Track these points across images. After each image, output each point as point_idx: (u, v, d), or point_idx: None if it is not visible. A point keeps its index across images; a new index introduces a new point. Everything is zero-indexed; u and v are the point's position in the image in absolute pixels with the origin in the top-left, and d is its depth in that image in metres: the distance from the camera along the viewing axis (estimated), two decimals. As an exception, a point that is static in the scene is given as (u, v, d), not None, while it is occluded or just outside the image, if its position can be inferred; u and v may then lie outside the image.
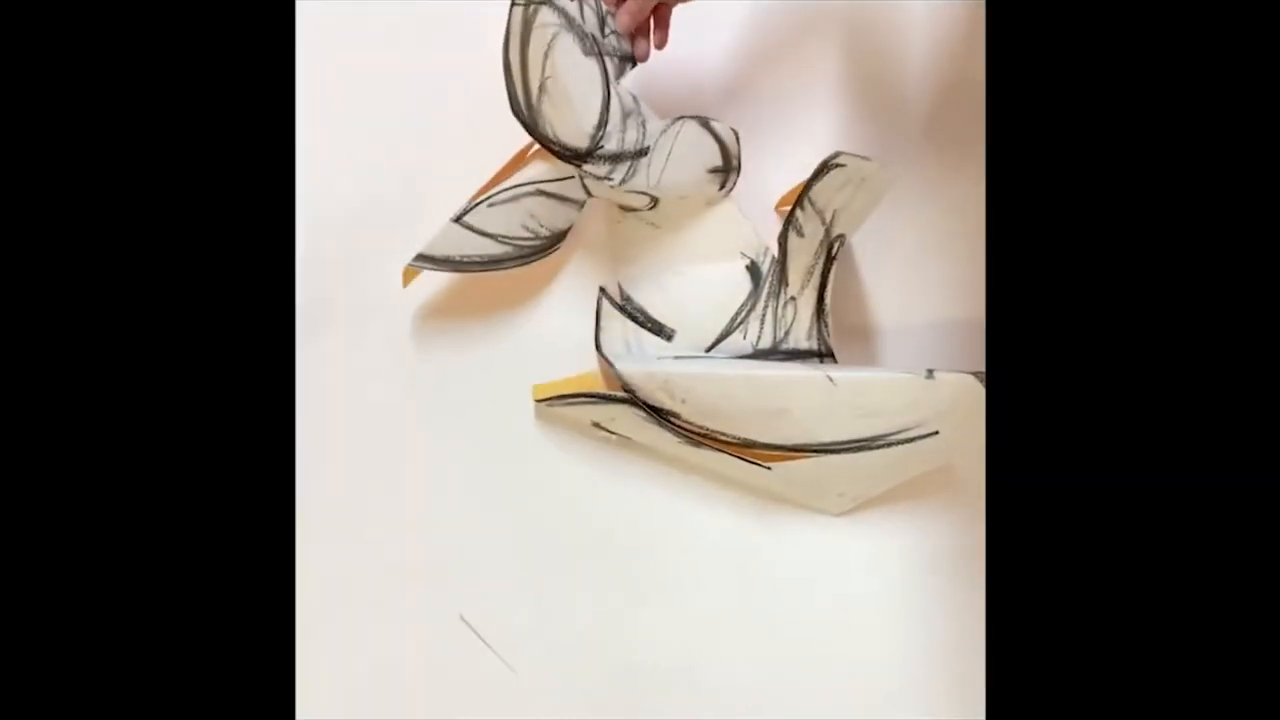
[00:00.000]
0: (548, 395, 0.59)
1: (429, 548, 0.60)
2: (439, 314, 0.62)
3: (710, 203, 0.57)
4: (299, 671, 0.52)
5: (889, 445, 0.54)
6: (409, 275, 0.59)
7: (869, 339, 0.60)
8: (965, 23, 0.62)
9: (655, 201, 0.57)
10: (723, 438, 0.55)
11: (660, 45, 0.59)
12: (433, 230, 0.57)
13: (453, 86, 0.64)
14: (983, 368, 0.56)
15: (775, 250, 0.55)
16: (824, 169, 0.51)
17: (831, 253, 0.54)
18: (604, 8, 0.55)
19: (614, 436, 0.59)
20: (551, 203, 0.57)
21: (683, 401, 0.55)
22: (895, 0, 0.63)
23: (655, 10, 0.58)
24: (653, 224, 0.58)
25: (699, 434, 0.56)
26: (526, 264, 0.58)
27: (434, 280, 0.62)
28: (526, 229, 0.56)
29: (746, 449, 0.55)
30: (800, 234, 0.52)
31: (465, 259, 0.57)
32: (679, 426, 0.56)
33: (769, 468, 0.56)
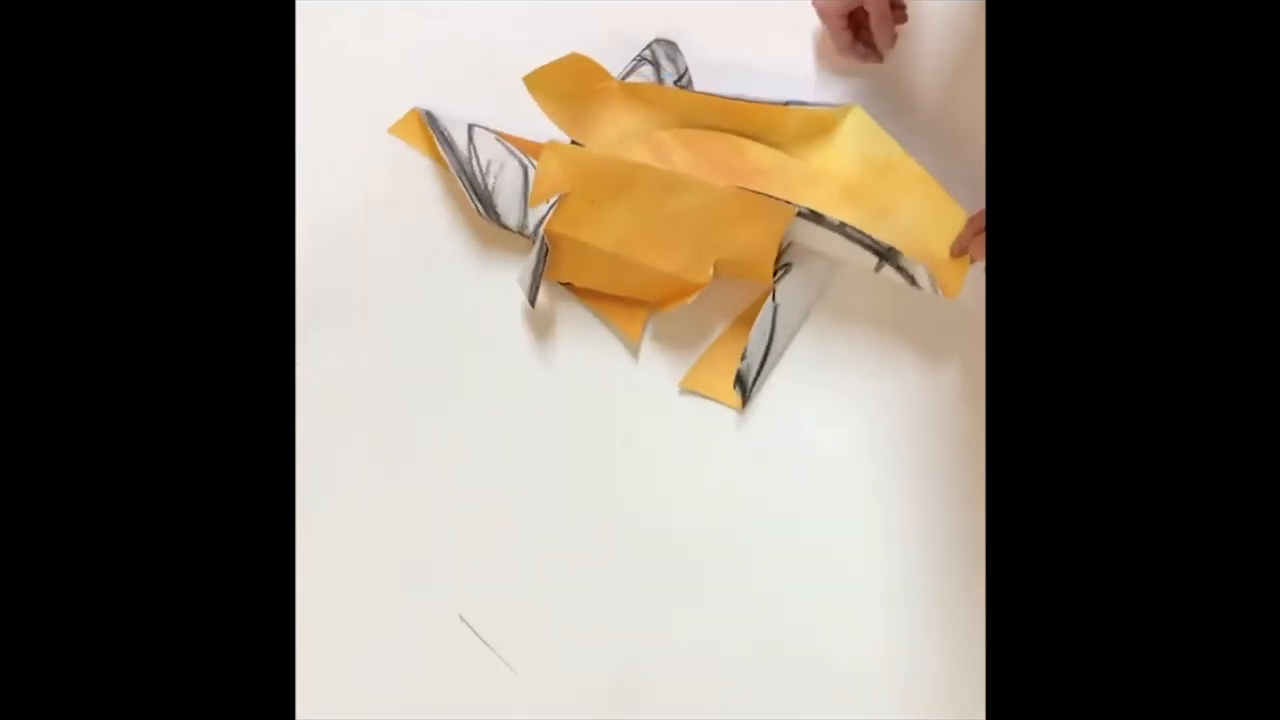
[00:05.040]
0: None
1: (429, 547, 0.60)
2: (439, 311, 0.62)
3: None
4: (299, 671, 0.52)
5: None
6: (406, 123, 0.63)
7: (870, 335, 0.60)
8: (966, 23, 0.63)
9: None
10: None
11: (900, 22, 0.61)
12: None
13: (452, 86, 0.64)
14: (982, 364, 0.56)
15: None
16: None
17: None
18: None
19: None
20: (514, 172, 0.61)
21: None
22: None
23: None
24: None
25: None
26: (463, 189, 0.60)
27: (434, 279, 0.62)
28: (483, 165, 0.61)
29: None
30: None
31: (447, 140, 0.61)
32: None
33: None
